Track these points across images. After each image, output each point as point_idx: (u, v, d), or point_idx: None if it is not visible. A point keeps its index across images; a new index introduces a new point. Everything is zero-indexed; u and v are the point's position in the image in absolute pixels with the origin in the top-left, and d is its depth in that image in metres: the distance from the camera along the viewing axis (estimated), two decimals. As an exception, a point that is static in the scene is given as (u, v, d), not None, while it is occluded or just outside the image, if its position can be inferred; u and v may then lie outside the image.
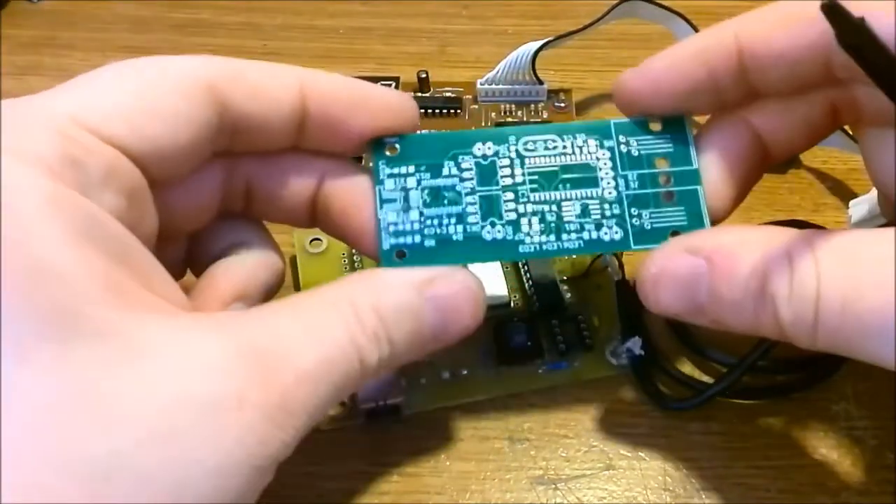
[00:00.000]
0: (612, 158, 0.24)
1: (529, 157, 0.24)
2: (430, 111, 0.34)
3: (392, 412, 0.26)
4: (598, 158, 0.24)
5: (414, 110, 0.24)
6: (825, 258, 0.20)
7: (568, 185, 0.24)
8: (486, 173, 0.24)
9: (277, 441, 0.18)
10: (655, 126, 0.24)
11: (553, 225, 0.23)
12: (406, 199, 0.23)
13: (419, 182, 0.24)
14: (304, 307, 0.20)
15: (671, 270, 0.22)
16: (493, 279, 0.29)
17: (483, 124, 0.34)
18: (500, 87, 0.35)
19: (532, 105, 0.35)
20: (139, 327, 0.17)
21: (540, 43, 0.33)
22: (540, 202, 0.23)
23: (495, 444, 0.26)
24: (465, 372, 0.27)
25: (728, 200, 0.24)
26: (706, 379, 0.27)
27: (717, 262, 0.21)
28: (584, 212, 0.23)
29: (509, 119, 0.34)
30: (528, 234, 0.23)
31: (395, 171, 0.24)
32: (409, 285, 0.22)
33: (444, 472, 0.26)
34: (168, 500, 0.16)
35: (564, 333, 0.28)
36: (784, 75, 0.22)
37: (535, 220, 0.23)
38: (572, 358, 0.28)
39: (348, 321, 0.20)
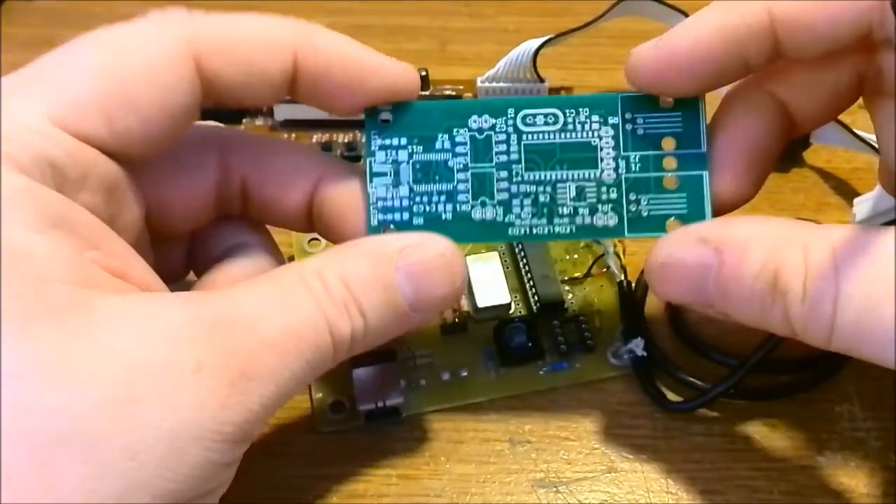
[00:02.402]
0: (616, 137, 0.23)
1: (527, 133, 0.23)
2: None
3: (392, 414, 0.26)
4: (600, 137, 0.23)
5: (415, 81, 0.23)
6: (844, 258, 0.19)
7: (565, 166, 0.23)
8: (481, 148, 0.23)
9: (241, 407, 0.18)
10: (666, 103, 0.23)
11: (546, 208, 0.23)
12: (396, 173, 0.23)
13: (411, 156, 0.23)
14: (271, 281, 0.20)
15: (679, 260, 0.21)
16: (494, 280, 0.29)
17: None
18: (501, 85, 0.34)
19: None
20: (102, 304, 0.18)
21: (541, 40, 0.33)
22: (534, 182, 0.23)
23: (496, 446, 0.26)
24: (465, 373, 0.27)
25: (750, 182, 0.23)
26: (708, 380, 0.27)
27: (727, 256, 0.21)
28: (580, 195, 0.23)
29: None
30: (518, 216, 0.23)
31: (387, 142, 0.23)
32: (379, 255, 0.21)
33: (444, 474, 0.25)
34: (122, 463, 0.16)
35: (566, 334, 0.28)
36: (823, 48, 0.21)
37: (527, 201, 0.23)
38: (573, 359, 0.28)
39: (315, 292, 0.20)
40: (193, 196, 0.23)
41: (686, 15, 0.34)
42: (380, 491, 0.25)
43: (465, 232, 0.23)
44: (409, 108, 0.23)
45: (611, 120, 0.23)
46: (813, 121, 0.24)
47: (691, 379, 0.27)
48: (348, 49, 0.22)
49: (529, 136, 0.23)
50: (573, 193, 0.23)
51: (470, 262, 0.29)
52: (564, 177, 0.23)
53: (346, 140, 0.32)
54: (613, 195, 0.23)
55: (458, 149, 0.23)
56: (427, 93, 0.36)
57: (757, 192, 0.24)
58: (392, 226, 0.23)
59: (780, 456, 0.26)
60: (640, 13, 0.34)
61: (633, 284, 0.29)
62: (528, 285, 0.29)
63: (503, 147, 0.23)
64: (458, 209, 0.23)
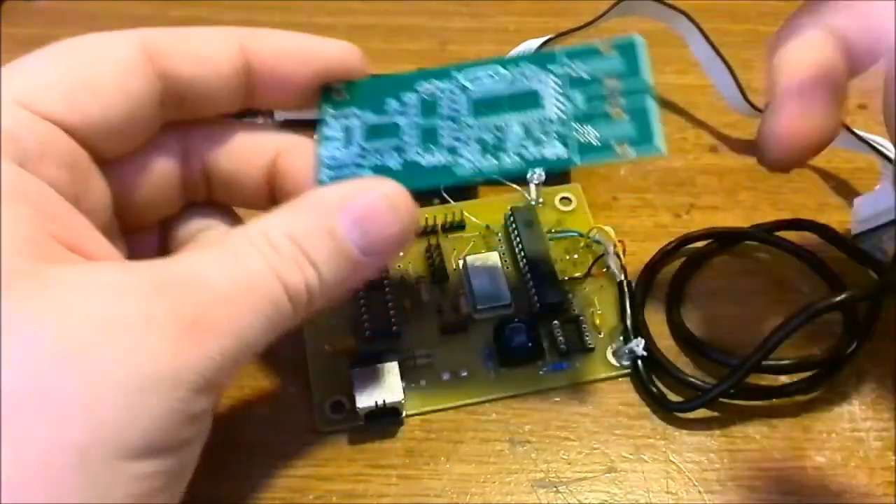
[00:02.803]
0: (560, 84, 0.23)
1: (473, 89, 0.24)
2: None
3: (391, 414, 0.26)
4: (541, 81, 0.23)
5: (358, 56, 0.24)
6: None
7: (511, 109, 0.23)
8: (429, 107, 0.24)
9: (197, 356, 0.18)
10: (605, 48, 0.23)
11: (494, 148, 0.23)
12: (348, 136, 0.24)
13: (362, 121, 0.24)
14: (218, 245, 0.21)
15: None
16: (494, 280, 0.29)
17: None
18: (501, 85, 0.34)
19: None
20: (55, 271, 0.18)
21: (541, 40, 0.33)
22: (481, 128, 0.23)
23: (496, 446, 0.26)
24: (465, 373, 0.27)
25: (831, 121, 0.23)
26: (709, 380, 0.27)
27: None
28: (528, 133, 0.23)
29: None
30: (466, 157, 0.23)
31: (340, 112, 0.24)
32: (322, 206, 0.21)
33: (444, 474, 0.25)
34: (81, 416, 0.17)
35: (566, 334, 0.28)
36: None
37: (475, 145, 0.23)
38: (573, 359, 0.28)
39: (263, 249, 0.20)
40: (158, 182, 0.24)
41: (685, 14, 0.34)
42: (380, 491, 0.25)
43: (415, 178, 0.23)
44: (360, 84, 0.24)
45: (554, 70, 0.23)
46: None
47: (691, 379, 0.27)
48: (290, 36, 0.23)
49: (476, 92, 0.24)
50: (521, 132, 0.23)
51: (470, 262, 0.29)
52: (511, 119, 0.23)
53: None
54: (560, 128, 0.23)
55: (408, 109, 0.24)
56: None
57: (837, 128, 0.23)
58: (341, 180, 0.23)
59: (780, 456, 0.26)
60: (640, 13, 0.34)
61: (633, 284, 0.29)
62: (528, 285, 0.29)
63: (451, 103, 0.24)
64: (406, 158, 0.23)
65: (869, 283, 0.29)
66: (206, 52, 0.22)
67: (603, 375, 0.27)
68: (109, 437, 0.17)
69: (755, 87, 0.34)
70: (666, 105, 0.36)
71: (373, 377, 0.26)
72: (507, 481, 0.25)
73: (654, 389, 0.27)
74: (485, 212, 0.31)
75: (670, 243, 0.30)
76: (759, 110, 0.34)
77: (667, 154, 0.23)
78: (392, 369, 0.26)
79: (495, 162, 0.23)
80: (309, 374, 0.27)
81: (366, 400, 0.26)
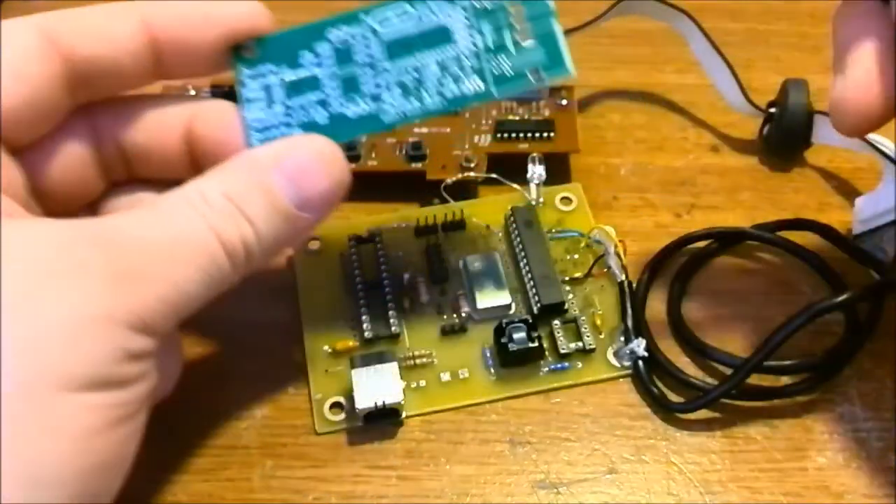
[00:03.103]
0: (466, 16, 0.24)
1: (384, 31, 0.24)
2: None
3: (391, 414, 0.26)
4: (450, 16, 0.24)
5: (262, 11, 0.24)
6: None
7: (425, 50, 0.24)
8: (344, 55, 0.24)
9: (133, 297, 0.19)
10: None
11: (414, 90, 0.24)
12: (269, 95, 0.24)
13: (280, 78, 0.24)
14: (152, 205, 0.21)
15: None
16: (494, 281, 0.29)
17: (484, 122, 0.34)
18: (501, 84, 0.34)
19: (533, 102, 0.34)
20: None
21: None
22: (399, 71, 0.24)
23: (496, 447, 0.26)
24: (465, 374, 0.27)
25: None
26: (710, 381, 0.27)
27: None
28: (444, 71, 0.24)
29: (510, 116, 0.34)
30: (390, 103, 0.24)
31: (256, 70, 0.24)
32: (255, 164, 0.22)
33: (444, 475, 0.25)
34: (23, 352, 0.18)
35: (566, 335, 0.28)
36: None
37: (396, 89, 0.24)
38: (574, 360, 0.28)
39: (197, 206, 0.21)
40: (73, 164, 0.24)
41: (686, 13, 0.34)
42: (379, 492, 0.25)
43: (343, 130, 0.24)
44: (270, 39, 0.24)
45: (459, 3, 0.24)
46: None
47: (692, 380, 0.27)
48: (190, 3, 0.23)
49: (387, 34, 0.24)
50: (437, 71, 0.24)
51: (470, 263, 0.29)
52: (426, 59, 0.24)
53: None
54: (475, 63, 0.24)
55: (323, 60, 0.24)
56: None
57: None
58: (272, 141, 0.24)
59: (782, 457, 0.26)
60: (641, 12, 0.34)
61: (634, 284, 0.29)
62: (528, 286, 0.29)
63: (365, 49, 0.24)
64: (332, 112, 0.24)
65: (870, 284, 0.29)
66: (106, 28, 0.23)
67: (604, 376, 0.27)
68: (52, 371, 0.18)
69: (756, 86, 0.34)
70: (666, 104, 0.36)
71: (372, 378, 0.26)
72: (508, 482, 0.25)
73: (655, 390, 0.27)
74: (485, 212, 0.31)
75: (671, 243, 0.30)
76: (761, 109, 0.34)
77: (575, 75, 0.24)
78: (392, 370, 0.26)
79: (418, 104, 0.24)
80: (308, 375, 0.27)
81: (365, 401, 0.25)
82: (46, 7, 0.24)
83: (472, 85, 0.24)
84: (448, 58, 0.24)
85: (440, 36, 0.24)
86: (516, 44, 0.24)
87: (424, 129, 0.33)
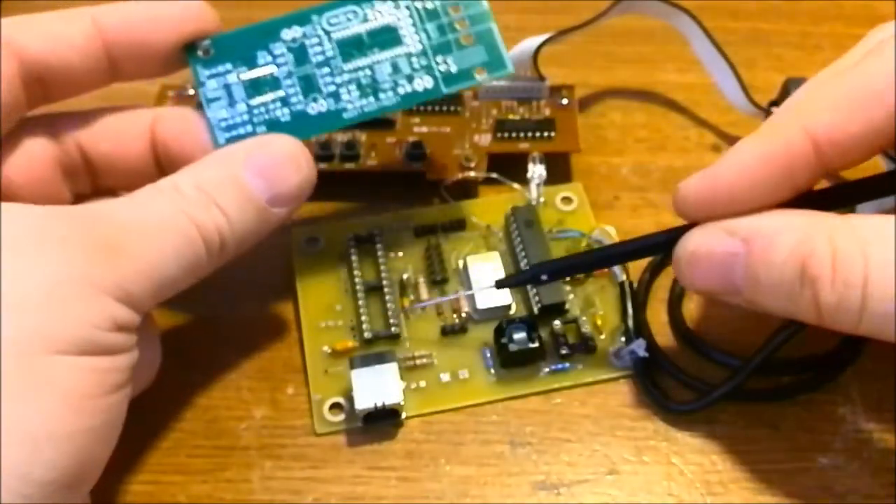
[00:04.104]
0: (411, 16, 0.26)
1: (335, 31, 0.26)
2: (429, 108, 0.34)
3: (391, 415, 0.26)
4: (398, 18, 0.26)
5: (207, 10, 0.25)
6: (873, 242, 0.20)
7: (376, 49, 0.26)
8: (299, 55, 0.26)
9: (112, 267, 0.20)
10: None
11: (369, 88, 0.26)
12: (230, 94, 0.25)
13: (238, 77, 0.25)
14: (128, 197, 0.22)
15: (707, 250, 0.23)
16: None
17: (484, 122, 0.33)
18: (502, 83, 0.34)
19: (534, 102, 0.34)
20: None
21: (542, 38, 0.33)
22: (353, 70, 0.26)
23: (496, 448, 0.26)
24: (465, 374, 0.27)
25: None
26: (711, 381, 0.27)
27: (755, 244, 0.22)
28: (395, 69, 0.26)
29: (511, 116, 0.34)
30: (348, 101, 0.26)
31: (214, 70, 0.25)
32: (228, 160, 0.24)
33: (444, 476, 0.25)
34: (10, 312, 0.19)
35: (567, 335, 0.28)
36: (866, 152, 0.22)
37: (352, 87, 0.26)
38: (575, 360, 0.27)
39: (172, 196, 0.22)
40: (35, 170, 0.25)
41: (687, 12, 0.34)
42: (379, 493, 0.25)
43: (305, 127, 0.25)
44: (225, 38, 0.25)
45: (402, 3, 0.26)
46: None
47: (693, 380, 0.27)
48: (140, 4, 0.25)
49: (338, 33, 0.26)
50: (389, 70, 0.26)
51: (470, 263, 0.29)
52: (378, 58, 0.26)
53: (344, 140, 0.32)
54: (424, 62, 0.26)
55: (279, 60, 0.26)
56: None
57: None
58: (239, 140, 0.25)
59: (783, 458, 0.26)
60: (642, 11, 0.34)
61: (635, 285, 0.29)
62: (528, 286, 0.29)
63: (318, 48, 0.26)
64: (293, 110, 0.25)
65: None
66: (57, 29, 0.24)
67: (604, 376, 0.27)
68: (41, 331, 0.19)
69: (757, 85, 0.34)
70: (667, 103, 0.36)
71: (372, 378, 0.26)
72: (508, 483, 0.25)
73: (656, 391, 0.27)
74: (485, 212, 0.31)
75: (672, 243, 0.30)
76: (762, 108, 0.34)
77: (513, 70, 0.27)
78: (391, 370, 0.26)
79: (375, 101, 0.26)
80: (308, 375, 0.27)
81: (365, 401, 0.25)
82: (46, 7, 0.24)
83: (423, 83, 0.26)
84: (399, 56, 0.26)
85: (389, 36, 0.26)
86: (459, 44, 0.26)
87: (424, 129, 0.33)
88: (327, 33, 0.26)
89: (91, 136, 0.25)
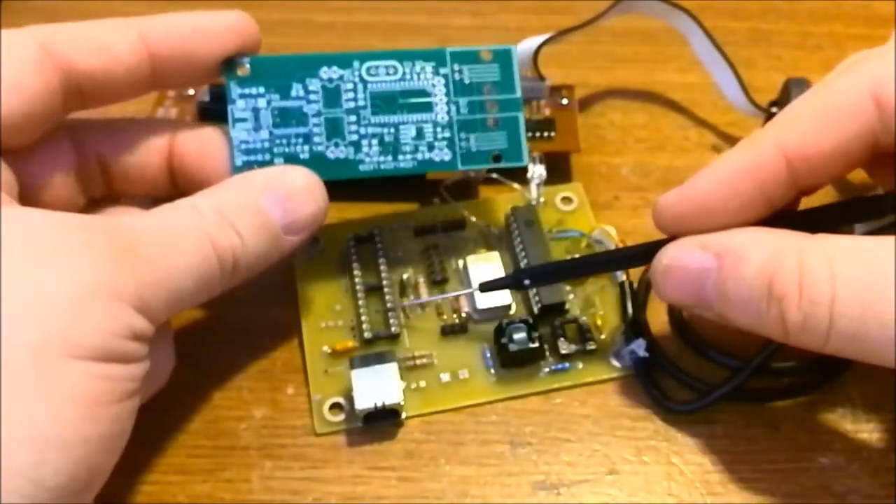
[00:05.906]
0: (447, 85, 0.26)
1: (371, 82, 0.26)
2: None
3: (391, 415, 0.26)
4: (433, 85, 0.26)
5: (252, 24, 0.25)
6: (841, 261, 0.20)
7: (405, 110, 0.26)
8: (332, 96, 0.26)
9: (133, 275, 0.20)
10: (486, 55, 0.27)
11: (391, 146, 0.26)
12: (256, 118, 0.25)
13: (269, 103, 0.25)
14: (148, 212, 0.23)
15: (682, 264, 0.23)
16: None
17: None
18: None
19: (534, 102, 0.34)
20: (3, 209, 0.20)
21: (542, 38, 0.33)
22: (379, 125, 0.26)
23: (496, 448, 0.26)
24: (465, 374, 0.27)
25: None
26: (711, 381, 0.27)
27: (725, 260, 0.22)
28: (419, 134, 0.26)
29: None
30: (367, 154, 0.26)
31: (247, 91, 0.25)
32: (247, 186, 0.24)
33: (444, 476, 0.25)
34: (33, 314, 0.19)
35: (567, 335, 0.28)
36: (838, 169, 0.23)
37: (374, 141, 0.26)
38: (575, 360, 0.27)
39: (191, 214, 0.23)
40: (55, 177, 0.25)
41: (687, 12, 0.34)
42: (379, 493, 0.25)
43: (321, 169, 0.25)
44: (265, 61, 0.25)
45: (441, 70, 0.26)
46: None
47: (693, 380, 0.27)
48: (183, 14, 0.25)
49: (373, 85, 0.26)
50: (413, 133, 0.26)
51: (470, 263, 0.29)
52: (405, 119, 0.26)
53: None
54: (447, 134, 0.26)
55: (312, 96, 0.26)
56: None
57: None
58: (255, 166, 0.25)
59: (783, 458, 0.26)
60: (642, 11, 0.34)
61: (635, 285, 0.29)
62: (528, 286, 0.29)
63: (351, 94, 0.26)
64: (313, 149, 0.26)
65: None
66: (105, 42, 0.23)
67: (604, 376, 0.27)
68: (60, 335, 0.19)
69: (757, 85, 0.34)
70: (667, 103, 0.36)
71: (372, 378, 0.26)
72: (508, 483, 0.25)
73: (656, 391, 0.27)
74: (485, 212, 0.31)
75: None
76: (762, 108, 0.34)
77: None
78: (391, 370, 0.26)
79: (392, 161, 0.26)
80: (308, 375, 0.27)
81: (365, 401, 0.25)
82: (47, 7, 0.24)
83: (442, 155, 0.26)
84: (425, 123, 0.26)
85: (421, 100, 0.26)
86: (485, 125, 0.26)
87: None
88: (364, 82, 0.26)
89: (111, 146, 0.25)
